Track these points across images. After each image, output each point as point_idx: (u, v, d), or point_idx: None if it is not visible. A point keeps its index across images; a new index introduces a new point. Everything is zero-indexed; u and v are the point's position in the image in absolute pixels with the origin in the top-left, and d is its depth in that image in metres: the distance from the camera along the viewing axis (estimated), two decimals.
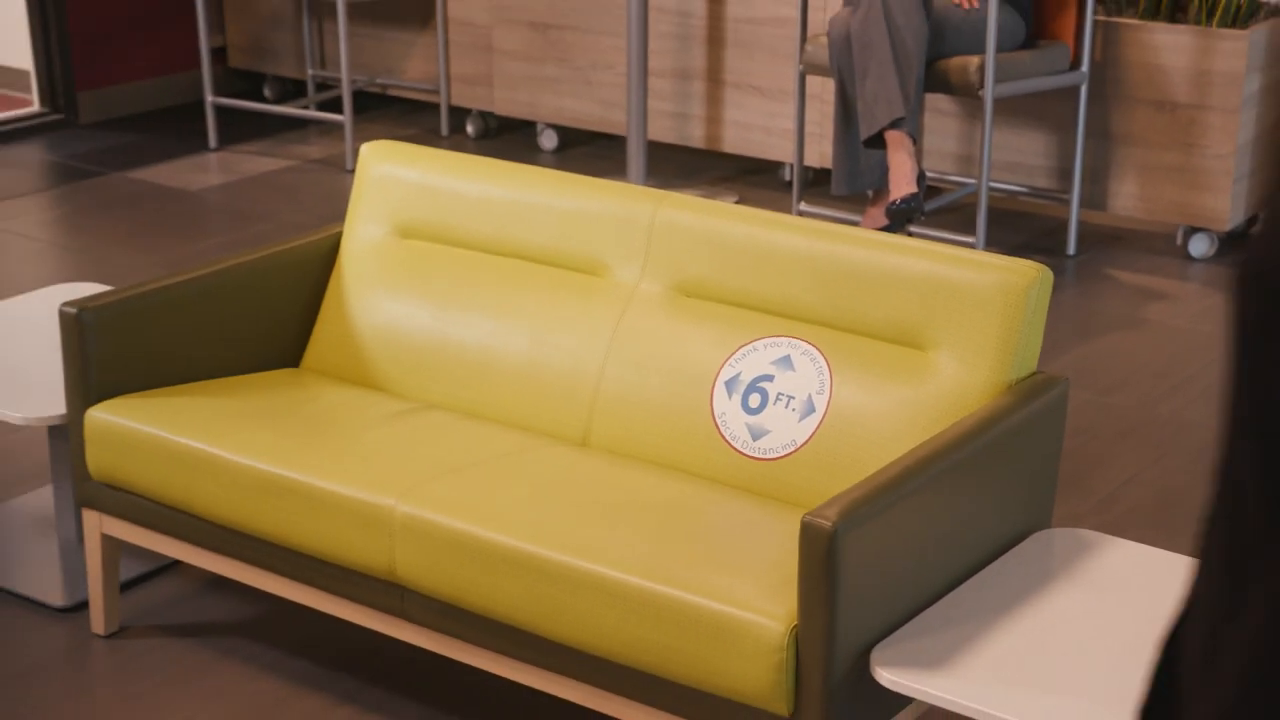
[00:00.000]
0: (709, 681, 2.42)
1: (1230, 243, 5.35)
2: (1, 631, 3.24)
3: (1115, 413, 4.21)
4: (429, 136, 6.42)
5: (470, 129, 6.44)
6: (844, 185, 4.98)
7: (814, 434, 2.78)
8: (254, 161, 6.16)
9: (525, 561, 2.56)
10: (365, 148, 3.39)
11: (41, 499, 3.68)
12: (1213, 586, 1.12)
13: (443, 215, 3.27)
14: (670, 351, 2.94)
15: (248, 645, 3.18)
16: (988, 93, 4.82)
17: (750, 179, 5.92)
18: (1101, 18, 5.18)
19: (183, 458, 2.93)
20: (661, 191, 3.11)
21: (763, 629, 2.37)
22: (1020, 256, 3.00)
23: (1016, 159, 5.40)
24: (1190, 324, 4.76)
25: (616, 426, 2.96)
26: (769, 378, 2.84)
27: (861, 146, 4.84)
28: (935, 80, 4.86)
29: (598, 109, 6.01)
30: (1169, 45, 5.08)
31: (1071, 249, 5.26)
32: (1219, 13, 5.05)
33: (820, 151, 5.58)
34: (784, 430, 2.81)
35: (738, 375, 2.87)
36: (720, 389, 2.87)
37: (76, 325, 3.03)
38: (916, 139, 4.77)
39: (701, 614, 2.41)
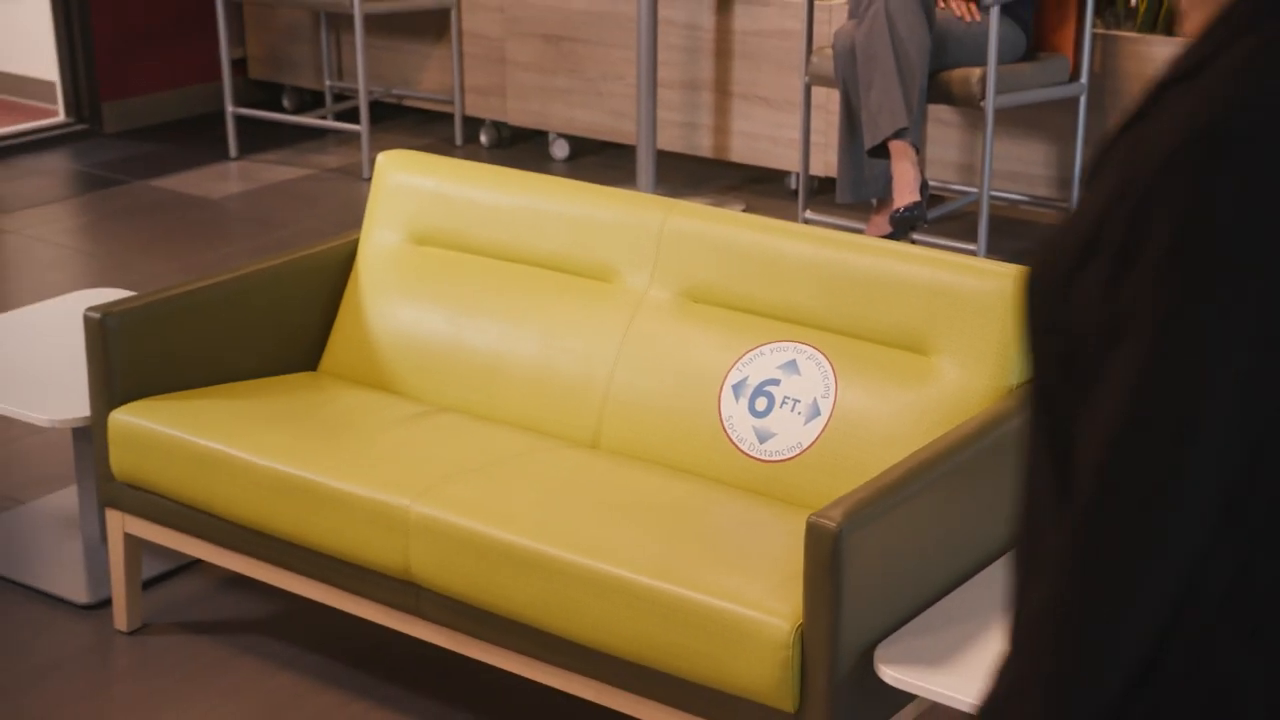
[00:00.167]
0: (716, 678, 2.42)
1: None
2: (27, 627, 3.24)
3: None
4: (444, 146, 6.42)
5: (484, 139, 6.44)
6: (849, 194, 4.97)
7: (819, 437, 2.78)
8: (273, 170, 6.17)
9: (536, 560, 2.56)
10: (381, 157, 3.39)
11: (66, 499, 3.68)
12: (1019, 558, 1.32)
13: (457, 223, 3.27)
14: (679, 356, 2.93)
15: (266, 642, 3.18)
16: (989, 103, 4.82)
17: (757, 187, 5.92)
18: (1100, 30, 5.17)
19: (203, 459, 2.93)
20: (670, 200, 3.10)
21: (768, 627, 2.36)
22: (1021, 264, 3.00)
23: (1017, 168, 5.39)
24: None
25: (626, 429, 2.96)
26: (775, 382, 2.84)
27: (866, 156, 4.84)
28: (938, 91, 4.85)
29: (608, 119, 6.01)
30: (1166, 57, 5.06)
31: None
32: None
33: (825, 161, 5.58)
34: (790, 433, 2.80)
35: (745, 379, 2.86)
36: (727, 392, 2.87)
37: (100, 330, 3.03)
38: (919, 149, 4.77)
39: (709, 612, 2.41)
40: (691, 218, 3.01)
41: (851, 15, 4.86)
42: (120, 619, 3.21)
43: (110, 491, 3.11)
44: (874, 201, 5.06)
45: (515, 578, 2.58)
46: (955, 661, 2.35)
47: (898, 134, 4.67)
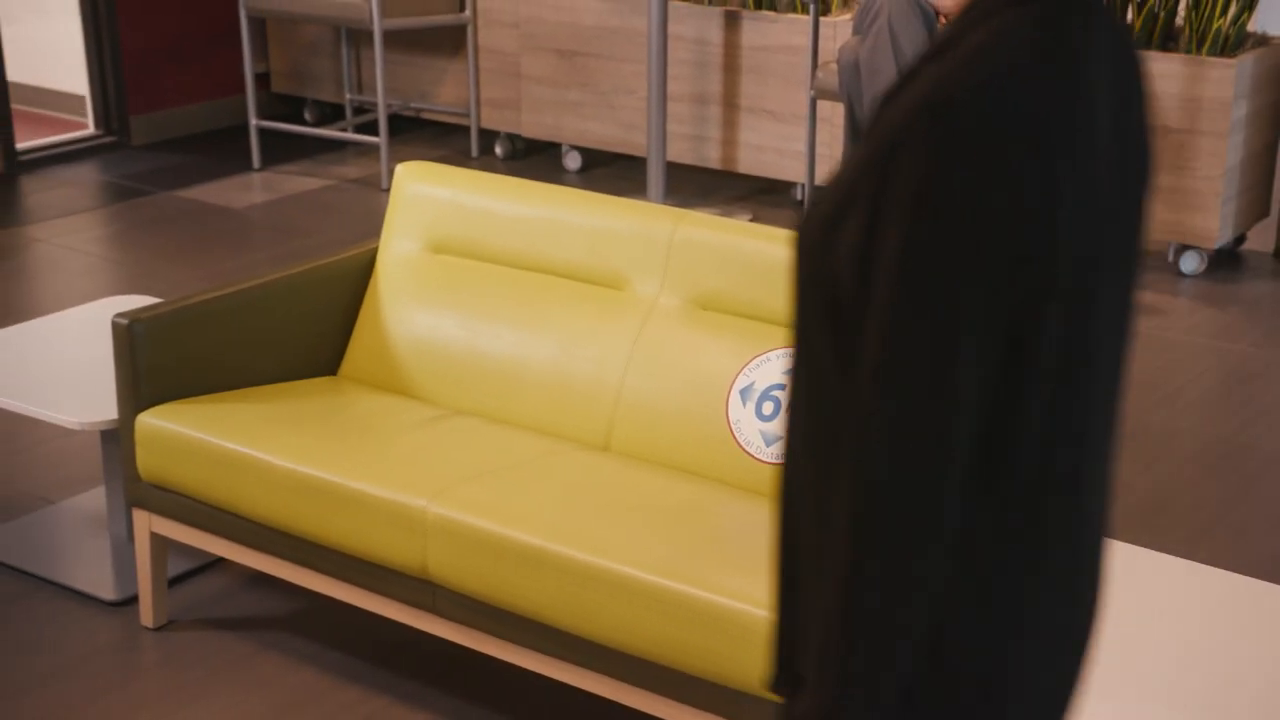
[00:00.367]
0: (723, 675, 2.41)
1: (1219, 260, 5.33)
2: (57, 623, 3.24)
3: None
4: (460, 157, 6.42)
5: (499, 150, 6.45)
6: None
7: None
8: (295, 181, 6.17)
9: (550, 560, 2.56)
10: (400, 168, 3.39)
11: (94, 499, 3.69)
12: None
13: (473, 232, 3.27)
14: (688, 361, 2.93)
15: (288, 638, 3.18)
16: None
17: (764, 198, 5.91)
18: None
19: (227, 461, 2.93)
20: (680, 210, 3.10)
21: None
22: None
23: None
24: (1181, 337, 4.74)
25: (637, 432, 2.95)
26: (781, 386, 2.84)
27: None
28: None
29: (619, 131, 6.01)
30: (1161, 73, 5.06)
31: None
32: (1208, 42, 5.04)
33: (831, 172, 5.57)
34: None
35: (752, 384, 2.86)
36: (735, 397, 2.87)
37: (128, 335, 3.04)
38: None
39: (716, 610, 2.40)
40: (700, 227, 3.00)
41: (855, 31, 4.86)
42: (146, 615, 3.21)
43: (137, 492, 3.11)
44: None
45: (529, 577, 2.58)
46: None
47: None
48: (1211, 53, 5.04)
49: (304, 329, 3.29)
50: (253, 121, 6.26)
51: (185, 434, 2.98)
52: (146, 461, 3.05)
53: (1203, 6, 5.06)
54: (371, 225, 5.62)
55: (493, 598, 2.64)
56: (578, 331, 3.06)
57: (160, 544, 3.16)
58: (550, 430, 3.05)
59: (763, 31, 5.64)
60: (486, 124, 6.41)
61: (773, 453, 2.81)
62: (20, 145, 6.31)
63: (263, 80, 6.83)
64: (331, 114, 6.95)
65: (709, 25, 5.74)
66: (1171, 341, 4.70)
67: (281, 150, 6.50)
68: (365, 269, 3.37)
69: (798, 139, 5.62)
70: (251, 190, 6.07)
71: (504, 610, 2.64)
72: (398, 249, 3.34)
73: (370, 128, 6.61)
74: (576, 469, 2.85)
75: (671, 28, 5.74)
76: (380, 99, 6.02)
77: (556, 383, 3.05)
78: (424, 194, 3.33)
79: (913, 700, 1.40)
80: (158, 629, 3.22)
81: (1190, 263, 5.21)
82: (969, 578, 1.38)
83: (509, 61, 6.24)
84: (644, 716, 2.84)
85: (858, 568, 1.33)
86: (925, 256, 1.29)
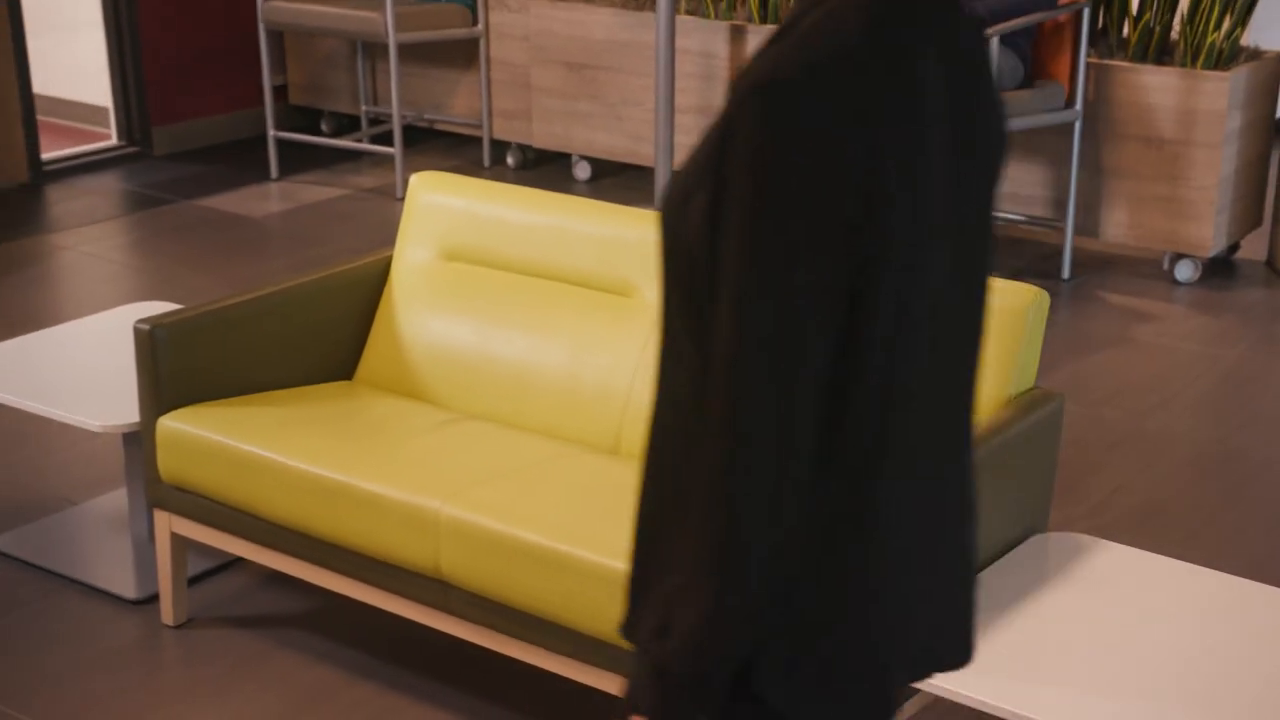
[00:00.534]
0: None
1: (1213, 268, 5.32)
2: (79, 621, 3.24)
3: (1106, 425, 4.18)
4: (472, 167, 6.43)
5: (510, 160, 6.45)
6: None
7: None
8: (312, 190, 6.18)
9: (559, 560, 2.56)
10: (414, 178, 3.39)
11: (116, 500, 3.69)
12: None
13: (485, 240, 3.27)
14: None
15: (304, 636, 3.18)
16: None
17: None
18: (1094, 60, 5.16)
19: (245, 463, 2.93)
20: None
21: None
22: (1018, 280, 2.99)
23: (1015, 189, 5.38)
24: (1176, 343, 4.73)
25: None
26: None
27: None
28: None
29: (628, 142, 6.01)
30: (1156, 85, 5.06)
31: (1066, 273, 5.24)
32: (1203, 56, 5.03)
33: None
34: None
35: None
36: None
37: (149, 341, 3.04)
38: None
39: None
40: None
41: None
42: (167, 613, 3.21)
43: (158, 493, 3.11)
44: None
45: (539, 576, 2.58)
46: None
47: None
48: (1206, 66, 5.03)
49: (320, 335, 3.29)
50: (271, 132, 6.26)
51: (205, 437, 2.98)
52: (167, 463, 3.05)
53: (1197, 21, 5.05)
54: (386, 234, 5.62)
55: (503, 597, 2.64)
56: (587, 337, 3.06)
57: (180, 544, 3.16)
58: (560, 434, 3.04)
59: None
60: (498, 135, 6.41)
61: None
62: (46, 155, 6.32)
63: (280, 92, 6.83)
64: (347, 125, 6.96)
65: (715, 39, 5.74)
66: (1167, 348, 4.69)
67: (299, 160, 6.51)
68: (380, 276, 3.38)
69: None
70: (269, 199, 6.08)
71: (514, 609, 2.64)
72: (412, 257, 3.34)
73: (385, 138, 6.61)
74: (585, 472, 2.84)
75: (679, 41, 5.74)
76: (395, 110, 6.02)
77: (566, 387, 3.05)
78: (437, 203, 3.33)
79: (766, 657, 1.43)
80: (178, 626, 3.22)
81: (1185, 271, 5.20)
82: (816, 538, 1.42)
83: (520, 74, 6.24)
84: None
85: (710, 523, 1.37)
86: (762, 227, 1.34)
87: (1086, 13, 4.97)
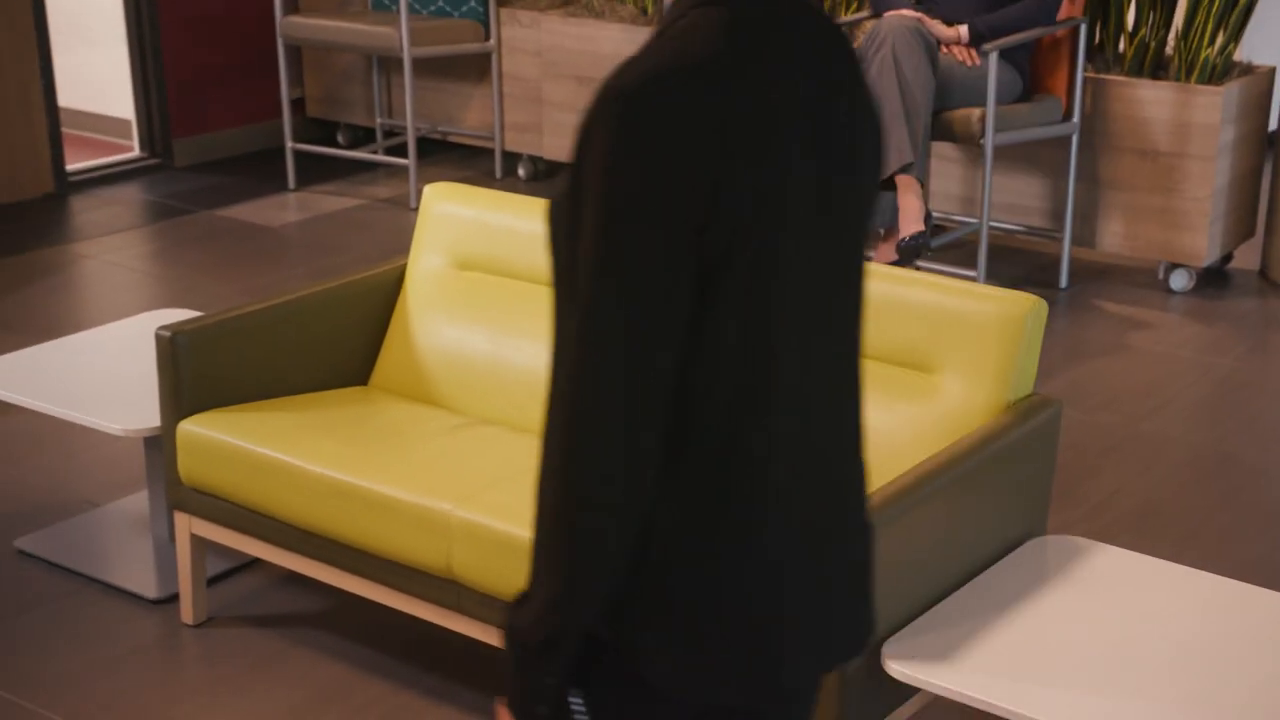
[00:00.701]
0: None
1: (1207, 278, 5.31)
2: (102, 620, 3.24)
3: (1103, 430, 4.17)
4: (484, 178, 6.43)
5: (521, 172, 6.45)
6: None
7: None
8: (328, 201, 6.18)
9: None
10: (428, 189, 3.39)
11: (138, 502, 3.69)
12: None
13: (497, 249, 3.27)
14: None
15: (320, 635, 3.18)
16: (988, 141, 4.80)
17: None
18: (1091, 74, 5.15)
19: (263, 466, 2.93)
20: None
21: None
22: (1017, 289, 2.98)
23: (1014, 201, 5.37)
24: (1171, 350, 4.73)
25: None
26: None
27: None
28: (941, 130, 4.84)
29: None
30: (1152, 99, 5.05)
31: (1063, 282, 5.23)
32: (1197, 71, 5.02)
33: None
34: None
35: None
36: None
37: (170, 347, 3.04)
38: (924, 183, 4.75)
39: None
40: None
41: (861, 59, 4.85)
42: (186, 613, 3.21)
43: (178, 495, 3.11)
44: (882, 230, 5.05)
45: None
46: (957, 658, 2.33)
47: (904, 169, 4.66)
48: (1200, 81, 5.02)
49: (336, 341, 3.29)
50: (288, 144, 6.27)
51: (224, 441, 2.98)
52: (187, 466, 3.05)
53: (1191, 37, 5.04)
54: (400, 243, 5.62)
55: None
56: None
57: (200, 545, 3.16)
58: None
59: None
60: (510, 147, 6.41)
61: None
62: (70, 167, 6.33)
63: (298, 105, 6.84)
64: (363, 137, 6.96)
65: None
66: (1162, 355, 4.69)
67: (315, 171, 6.51)
68: (394, 284, 3.37)
69: None
70: (287, 209, 6.09)
71: None
72: (425, 265, 3.34)
73: (400, 150, 6.62)
74: None
75: None
76: (409, 123, 6.03)
77: None
78: (450, 213, 3.33)
79: (622, 618, 1.47)
80: (197, 625, 3.21)
81: (1180, 280, 5.19)
82: (670, 509, 1.46)
83: (531, 87, 6.25)
84: None
85: (563, 490, 1.41)
86: (611, 229, 1.38)
87: (1083, 28, 4.96)
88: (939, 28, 4.82)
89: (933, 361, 2.73)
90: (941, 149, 5.41)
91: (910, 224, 4.67)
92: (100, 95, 6.87)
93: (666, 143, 1.37)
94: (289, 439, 2.95)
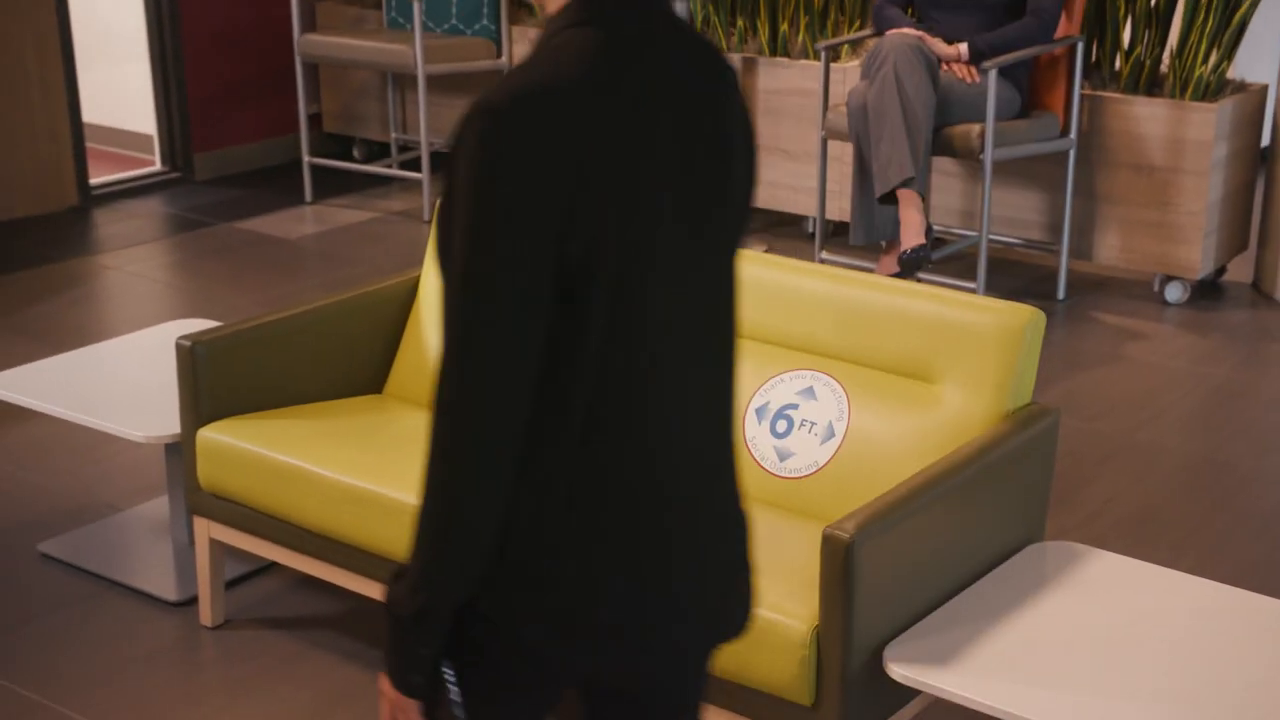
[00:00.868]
0: (740, 674, 2.40)
1: (1201, 290, 5.31)
2: (123, 622, 3.24)
3: (1100, 438, 4.17)
4: None
5: None
6: (861, 236, 4.96)
7: (834, 456, 2.76)
8: (344, 214, 6.19)
9: None
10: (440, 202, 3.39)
11: (158, 507, 3.69)
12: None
13: None
14: None
15: (335, 637, 3.17)
16: (987, 156, 4.80)
17: (778, 230, 5.91)
18: (1087, 91, 5.15)
19: (280, 472, 2.93)
20: None
21: (788, 628, 2.34)
22: (1016, 300, 2.98)
23: (1013, 214, 5.37)
24: (1166, 361, 4.72)
25: None
26: (794, 406, 2.82)
27: (876, 203, 4.82)
28: (941, 145, 4.84)
29: None
30: (1147, 116, 5.05)
31: (1061, 294, 5.23)
32: (1191, 88, 5.02)
33: (840, 207, 5.56)
34: (807, 453, 2.79)
35: (767, 403, 2.85)
36: (751, 415, 2.86)
37: (190, 356, 3.04)
38: (925, 196, 4.75)
39: None
40: None
41: (864, 76, 4.86)
42: (205, 615, 3.21)
43: (197, 501, 3.11)
44: (884, 243, 5.05)
45: None
46: (957, 661, 2.32)
47: (905, 183, 4.66)
48: (1194, 98, 5.02)
49: (352, 350, 3.29)
50: (305, 159, 6.28)
51: (242, 447, 2.98)
52: (206, 472, 3.05)
53: (1186, 55, 5.04)
54: (414, 254, 5.62)
55: None
56: None
57: (218, 549, 3.16)
58: None
59: (778, 76, 5.64)
60: None
61: (786, 468, 2.80)
62: (94, 180, 6.34)
63: (315, 121, 6.85)
64: (378, 152, 6.97)
65: None
66: (1157, 365, 4.68)
67: (331, 185, 6.52)
68: (408, 295, 3.38)
69: (810, 176, 5.62)
70: (304, 222, 6.09)
71: None
72: (438, 276, 3.33)
73: (414, 164, 6.62)
74: None
75: None
76: (423, 138, 6.03)
77: None
78: None
79: (494, 590, 1.54)
80: (215, 628, 3.21)
81: (1174, 292, 5.18)
82: (545, 491, 1.53)
83: None
84: None
85: (433, 474, 1.49)
86: (473, 237, 1.45)
87: (1080, 47, 4.96)
88: (940, 46, 4.82)
89: (934, 371, 2.73)
90: (942, 164, 5.40)
91: (911, 237, 4.67)
92: (123, 111, 6.89)
93: (528, 160, 1.43)
94: (305, 446, 2.95)
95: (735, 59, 5.69)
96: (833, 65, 5.36)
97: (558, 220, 1.44)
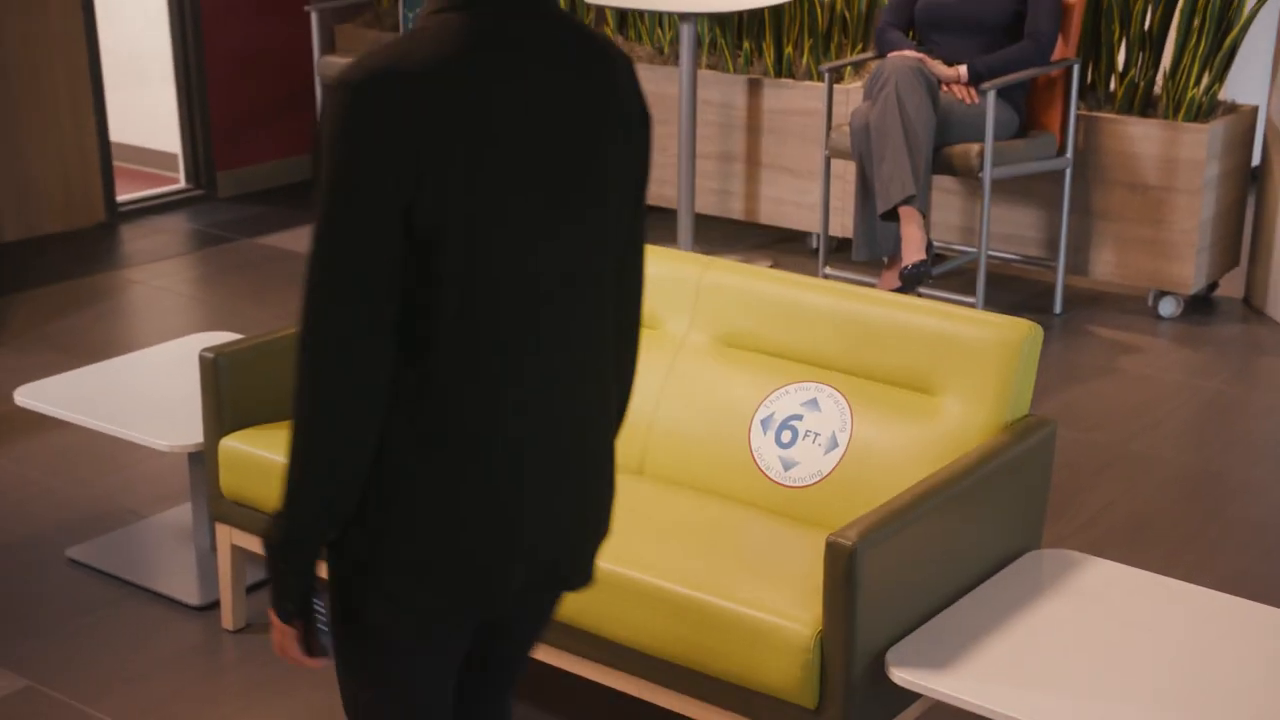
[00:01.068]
0: (746, 677, 2.39)
1: (1194, 305, 5.30)
2: (147, 625, 3.24)
3: (1095, 449, 4.16)
4: None
5: None
6: (863, 252, 4.96)
7: (837, 466, 2.75)
8: None
9: None
10: None
11: (181, 514, 3.69)
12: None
13: None
14: (714, 393, 2.92)
15: None
16: (986, 175, 4.80)
17: (782, 246, 5.91)
18: (1083, 112, 5.15)
19: None
20: (707, 257, 3.09)
21: (792, 633, 2.34)
22: (1014, 315, 2.97)
23: (1011, 231, 5.36)
24: (1159, 373, 4.71)
25: (668, 457, 2.94)
26: (799, 417, 2.82)
27: (878, 219, 4.82)
28: (941, 164, 4.83)
29: (653, 186, 6.02)
30: (1141, 136, 5.04)
31: (1058, 308, 5.22)
32: (1183, 109, 5.01)
33: (843, 223, 5.56)
34: (811, 462, 2.78)
35: (772, 414, 2.85)
36: (757, 426, 2.85)
37: (213, 368, 3.04)
38: (925, 214, 4.75)
39: (740, 619, 2.39)
40: (725, 272, 3.00)
41: (866, 97, 4.86)
42: (227, 618, 3.21)
43: (220, 508, 3.11)
44: (885, 259, 5.04)
45: None
46: (957, 665, 2.32)
47: (906, 200, 4.66)
48: (1187, 119, 5.01)
49: None
50: None
51: (263, 456, 2.98)
52: (228, 481, 3.05)
53: (1179, 77, 5.04)
54: None
55: None
56: None
57: (240, 555, 3.16)
58: None
59: (782, 97, 5.65)
60: None
61: (790, 477, 2.79)
62: (121, 197, 6.36)
63: None
64: None
65: (734, 91, 5.74)
66: (1151, 378, 4.67)
67: None
68: None
69: (813, 193, 5.62)
70: None
71: None
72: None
73: None
74: None
75: (700, 93, 5.74)
76: None
77: None
78: None
79: (358, 536, 1.66)
80: (236, 631, 3.21)
81: (1168, 307, 5.17)
82: (405, 442, 1.62)
83: None
84: (671, 714, 2.82)
85: (294, 416, 1.58)
86: (327, 200, 1.55)
87: (1076, 69, 4.96)
88: (940, 68, 4.82)
89: (934, 383, 2.73)
90: (942, 182, 5.40)
91: (913, 253, 4.67)
92: (148, 130, 6.91)
93: (377, 132, 1.52)
94: None
95: (741, 80, 5.70)
96: (836, 86, 5.37)
97: (404, 188, 1.54)
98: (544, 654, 2.67)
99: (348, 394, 1.57)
